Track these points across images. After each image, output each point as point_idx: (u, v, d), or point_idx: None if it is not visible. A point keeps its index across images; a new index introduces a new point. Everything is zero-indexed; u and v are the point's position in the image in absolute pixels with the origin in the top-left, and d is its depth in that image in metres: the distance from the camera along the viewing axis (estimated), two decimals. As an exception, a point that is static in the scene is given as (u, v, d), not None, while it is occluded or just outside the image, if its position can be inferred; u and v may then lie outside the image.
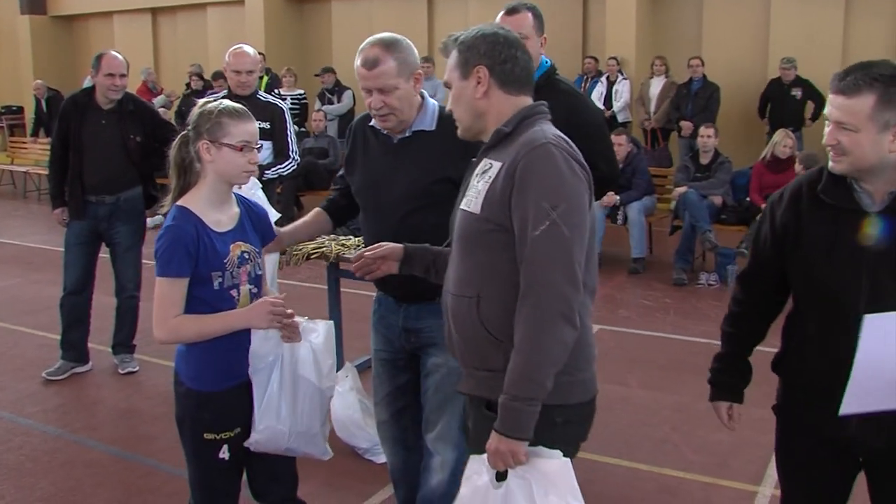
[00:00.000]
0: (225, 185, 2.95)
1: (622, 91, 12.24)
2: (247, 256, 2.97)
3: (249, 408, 2.96)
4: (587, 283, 2.52)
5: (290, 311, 2.89)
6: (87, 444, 4.96)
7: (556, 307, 2.35)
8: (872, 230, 2.05)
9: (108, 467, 4.67)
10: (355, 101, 13.30)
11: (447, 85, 2.66)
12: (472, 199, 2.53)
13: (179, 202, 2.91)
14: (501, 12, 3.90)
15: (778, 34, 12.48)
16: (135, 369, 6.08)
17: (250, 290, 2.97)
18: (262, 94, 5.76)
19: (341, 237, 5.82)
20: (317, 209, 3.61)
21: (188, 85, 14.76)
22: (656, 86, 12.15)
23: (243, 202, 3.09)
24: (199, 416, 2.96)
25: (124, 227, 5.94)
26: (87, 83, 12.48)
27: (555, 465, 2.39)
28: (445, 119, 3.06)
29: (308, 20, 16.70)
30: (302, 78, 13.98)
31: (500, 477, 2.44)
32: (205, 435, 2.97)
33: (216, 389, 2.94)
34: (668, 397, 5.58)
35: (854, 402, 2.40)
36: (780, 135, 8.99)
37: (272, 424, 2.97)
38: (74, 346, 6.06)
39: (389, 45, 3.15)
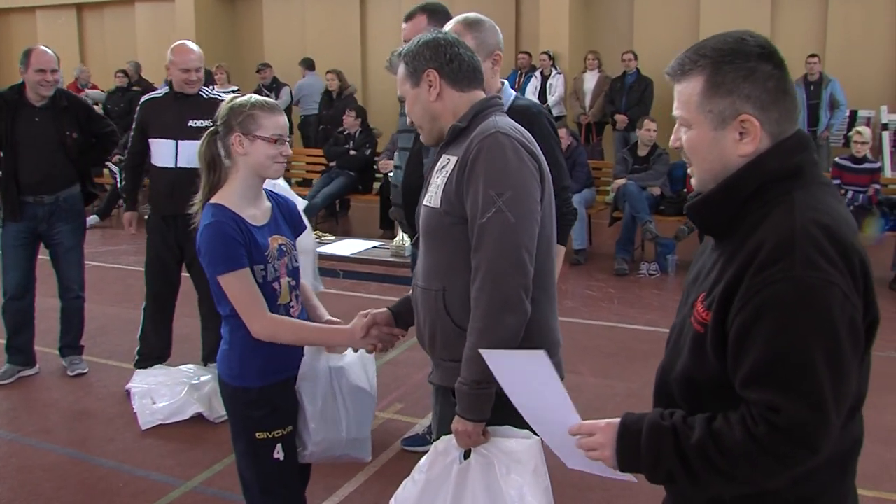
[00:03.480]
0: (257, 180, 2.91)
1: (556, 85, 12.37)
2: (284, 249, 2.94)
3: (298, 405, 2.96)
4: (547, 266, 2.60)
5: (398, 331, 2.88)
6: (42, 447, 4.88)
7: (502, 293, 2.42)
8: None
9: (68, 470, 4.60)
10: (293, 99, 13.22)
11: (401, 99, 2.74)
12: (433, 194, 2.61)
13: (213, 200, 2.86)
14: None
15: (708, 28, 12.74)
16: (84, 371, 5.98)
17: (289, 282, 2.94)
18: (205, 91, 5.67)
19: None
20: None
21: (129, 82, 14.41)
22: (590, 80, 12.31)
23: (272, 196, 3.06)
24: (248, 414, 2.90)
25: (66, 227, 5.81)
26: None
27: (522, 445, 2.49)
28: (517, 109, 3.32)
29: (239, 16, 16.53)
30: (234, 74, 13.83)
31: (467, 455, 2.56)
32: (257, 434, 2.90)
33: (263, 385, 2.89)
34: (620, 384, 5.70)
35: (568, 458, 2.09)
36: None
37: (331, 436, 2.98)
38: (21, 350, 5.93)
39: (471, 24, 3.32)
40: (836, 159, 8.53)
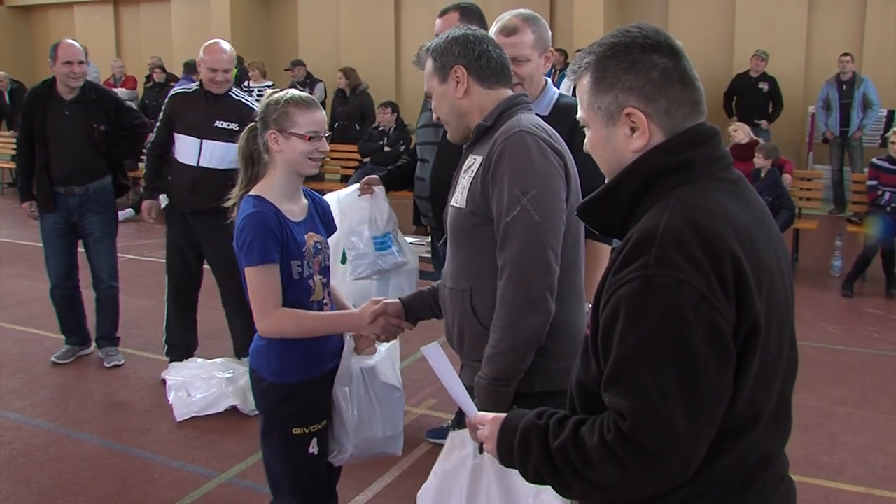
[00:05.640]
0: (295, 176, 2.92)
1: (590, 83, 12.34)
2: (319, 247, 2.95)
3: (331, 399, 2.98)
4: (576, 264, 2.60)
5: (406, 325, 2.86)
6: (79, 437, 4.95)
7: (526, 292, 2.42)
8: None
9: (104, 460, 4.66)
10: (326, 94, 13.27)
11: (428, 95, 2.74)
12: (459, 194, 2.61)
13: (252, 192, 2.87)
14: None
15: (743, 27, 12.68)
16: (120, 362, 6.07)
17: (321, 280, 2.95)
18: (236, 92, 5.65)
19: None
20: None
21: (149, 77, 14.62)
22: (625, 78, 12.31)
23: (308, 193, 3.07)
24: (285, 411, 2.91)
25: (96, 217, 5.92)
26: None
27: None
28: (560, 108, 3.35)
29: (274, 12, 16.63)
30: (268, 70, 13.92)
31: (482, 449, 2.55)
32: (293, 430, 2.91)
33: (300, 381, 2.90)
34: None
35: None
36: (730, 128, 9.59)
37: (368, 436, 3.00)
38: (75, 331, 6.17)
39: (530, 19, 3.34)
40: (873, 160, 8.43)
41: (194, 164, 5.39)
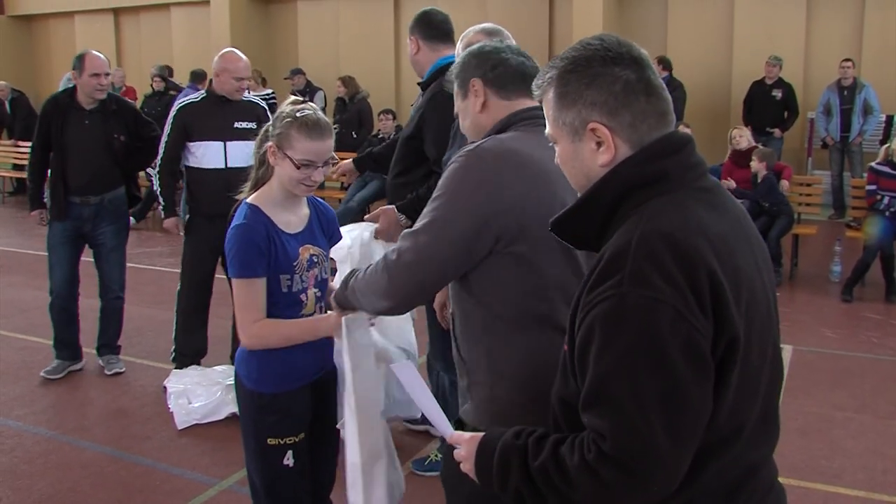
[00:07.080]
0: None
1: (589, 90, 12.37)
2: (315, 260, 2.91)
3: (313, 411, 2.98)
4: (526, 307, 2.31)
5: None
6: (80, 444, 4.96)
7: (385, 279, 2.35)
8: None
9: (105, 467, 4.68)
10: (326, 102, 13.30)
11: (456, 117, 2.70)
12: None
13: (250, 200, 2.85)
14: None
15: (742, 34, 12.70)
16: (121, 370, 6.08)
17: (316, 293, 2.92)
18: (244, 95, 5.79)
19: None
20: None
21: (152, 87, 14.63)
22: (623, 85, 12.32)
23: (312, 202, 3.02)
24: (261, 419, 2.90)
25: (109, 228, 5.94)
26: (63, 83, 12.32)
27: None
28: None
29: (274, 21, 16.66)
30: (269, 79, 13.94)
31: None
32: (268, 440, 2.90)
33: (278, 391, 2.89)
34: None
35: None
36: (732, 132, 9.53)
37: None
38: (68, 345, 6.10)
39: (490, 32, 3.36)
40: (872, 164, 8.45)
41: (223, 166, 5.47)
